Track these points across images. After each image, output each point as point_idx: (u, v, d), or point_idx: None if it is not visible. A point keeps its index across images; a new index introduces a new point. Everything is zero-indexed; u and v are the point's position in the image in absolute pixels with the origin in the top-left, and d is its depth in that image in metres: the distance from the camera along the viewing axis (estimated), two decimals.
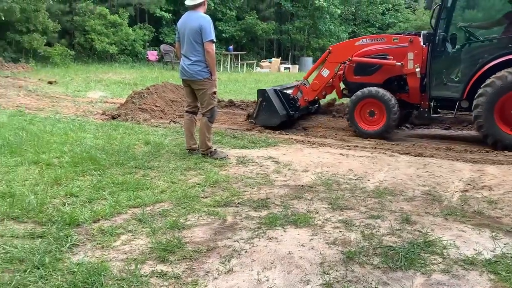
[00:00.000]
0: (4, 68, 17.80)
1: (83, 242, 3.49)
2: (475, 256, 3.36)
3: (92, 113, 9.74)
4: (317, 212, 4.26)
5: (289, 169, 5.81)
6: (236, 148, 6.86)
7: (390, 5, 30.36)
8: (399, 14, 30.13)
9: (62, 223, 3.75)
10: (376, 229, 3.86)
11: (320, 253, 3.39)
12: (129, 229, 3.76)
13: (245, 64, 24.73)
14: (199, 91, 6.21)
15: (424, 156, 6.58)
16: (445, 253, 3.40)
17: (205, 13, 6.20)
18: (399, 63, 7.78)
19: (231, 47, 25.45)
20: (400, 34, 8.39)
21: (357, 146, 7.25)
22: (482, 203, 4.57)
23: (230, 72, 23.02)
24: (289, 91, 8.86)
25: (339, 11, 27.24)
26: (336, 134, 8.16)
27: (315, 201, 4.58)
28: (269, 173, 5.61)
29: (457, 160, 6.39)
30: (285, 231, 3.80)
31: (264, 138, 7.54)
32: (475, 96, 7.06)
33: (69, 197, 4.42)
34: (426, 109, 7.85)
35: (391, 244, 3.53)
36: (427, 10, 9.19)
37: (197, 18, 6.02)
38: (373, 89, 7.89)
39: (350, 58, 8.29)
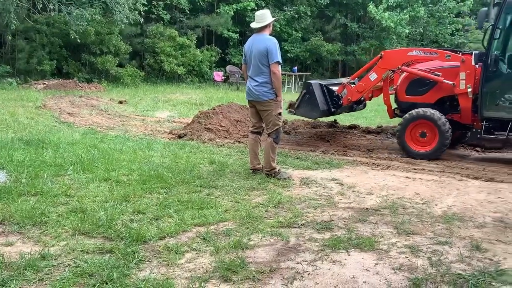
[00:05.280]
0: (78, 88, 18.72)
1: (149, 258, 3.60)
2: None
3: (159, 132, 10.05)
4: (382, 236, 4.18)
5: (353, 191, 5.74)
6: (299, 169, 6.85)
7: (460, 25, 29.49)
8: (469, 34, 29.17)
9: (130, 239, 3.88)
10: (444, 256, 3.73)
11: (385, 279, 3.31)
12: (194, 247, 3.84)
13: None
14: (265, 112, 6.28)
15: (496, 181, 6.30)
16: None
17: (270, 34, 6.31)
18: (450, 83, 7.67)
19: (295, 68, 25.52)
20: (457, 51, 8.26)
21: (424, 169, 7.05)
22: None
23: (295, 92, 23.07)
24: (335, 88, 8.84)
25: (406, 31, 26.73)
26: (401, 157, 7.96)
27: (380, 225, 4.49)
28: (332, 195, 5.56)
29: None
30: (349, 255, 3.75)
31: (328, 160, 7.48)
32: None
33: (136, 214, 4.57)
34: (479, 130, 7.64)
35: (460, 272, 3.40)
36: (480, 29, 8.86)
37: (263, 41, 6.13)
38: (426, 110, 7.77)
39: (399, 67, 8.24)
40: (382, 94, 8.85)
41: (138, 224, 4.28)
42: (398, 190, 5.79)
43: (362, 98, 9.15)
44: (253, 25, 6.29)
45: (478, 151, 8.69)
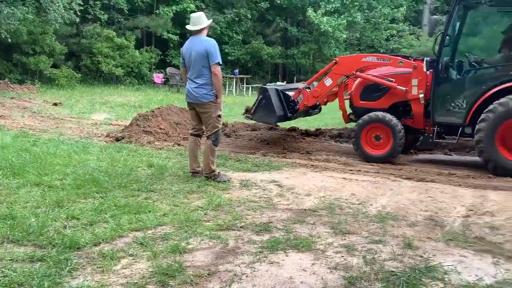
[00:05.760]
0: (10, 89, 17.94)
1: (83, 265, 3.49)
2: (476, 282, 3.35)
3: (96, 135, 9.79)
4: (319, 237, 4.25)
5: (292, 193, 5.80)
6: (239, 172, 6.86)
7: (394, 31, 30.65)
8: (403, 40, 30.37)
9: (63, 246, 3.75)
10: (378, 254, 3.84)
11: (322, 278, 3.37)
12: (130, 252, 3.76)
13: (250, 87, 24.87)
14: (204, 114, 6.25)
15: (427, 181, 6.56)
16: (446, 279, 3.39)
17: (211, 37, 6.30)
18: (403, 88, 7.82)
19: (236, 70, 25.60)
20: (408, 57, 8.41)
21: (360, 170, 7.24)
22: (484, 228, 4.55)
23: (236, 95, 23.16)
24: (291, 93, 8.87)
25: (344, 36, 27.41)
26: (339, 158, 8.14)
27: (318, 226, 4.57)
28: (272, 196, 5.60)
29: (460, 185, 6.37)
30: (287, 256, 3.78)
31: (267, 162, 7.54)
32: (478, 121, 7.07)
33: (70, 220, 4.42)
34: (431, 134, 7.84)
35: (392, 269, 3.52)
36: (430, 36, 8.64)
37: (202, 42, 6.11)
38: (380, 113, 7.92)
39: (354, 72, 8.35)
40: (337, 99, 8.95)
41: (72, 230, 4.14)
42: (335, 191, 5.91)
43: (318, 103, 9.20)
44: (189, 27, 6.27)
45: (411, 153, 9.01)
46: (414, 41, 28.98)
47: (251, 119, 8.95)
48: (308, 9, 26.78)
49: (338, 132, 10.54)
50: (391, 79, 8.02)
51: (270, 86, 8.93)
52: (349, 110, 8.86)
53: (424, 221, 4.77)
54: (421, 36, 29.50)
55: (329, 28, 26.31)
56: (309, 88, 8.99)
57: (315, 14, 26.33)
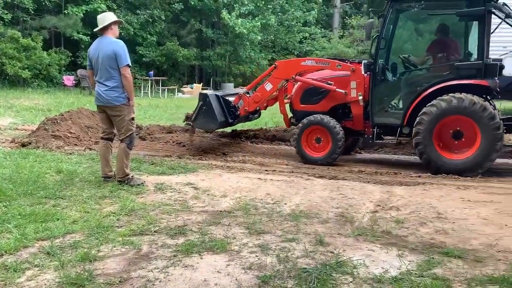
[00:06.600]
0: None
1: None
2: (382, 274, 3.51)
3: (0, 141, 9.22)
4: (235, 238, 4.27)
5: (208, 194, 5.79)
6: (154, 175, 6.74)
7: (307, 34, 31.57)
8: (315, 42, 31.32)
9: None
10: (291, 252, 3.93)
11: (236, 279, 3.39)
12: (36, 263, 3.58)
13: (166, 89, 24.55)
14: (117, 117, 6.09)
15: (338, 179, 6.78)
16: (355, 273, 3.52)
17: (123, 38, 6.14)
18: (342, 91, 7.95)
19: (151, 72, 25.16)
20: (345, 60, 8.56)
21: (275, 170, 7.36)
22: (390, 223, 4.78)
23: (151, 97, 22.76)
24: (231, 98, 8.85)
25: (259, 38, 27.77)
26: (254, 159, 8.24)
27: (233, 226, 4.59)
28: (187, 199, 5.56)
29: (368, 182, 6.64)
30: (202, 258, 3.77)
31: (183, 164, 7.47)
32: (414, 124, 7.27)
33: None
34: (370, 136, 7.97)
35: (305, 266, 3.61)
36: (368, 40, 8.57)
37: (109, 43, 5.95)
38: (319, 116, 8.02)
39: (293, 76, 8.44)
40: (277, 103, 8.96)
41: None
42: (251, 192, 5.96)
43: (258, 108, 9.17)
44: (96, 29, 6.10)
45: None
46: (326, 43, 30.01)
47: (192, 126, 8.79)
48: (222, 11, 26.85)
49: (253, 133, 10.66)
50: (330, 82, 8.15)
51: (211, 92, 8.87)
52: (290, 114, 8.93)
53: (335, 218, 4.94)
54: (332, 38, 30.64)
55: (244, 30, 26.55)
56: (248, 93, 9.02)
57: (229, 16, 26.46)
